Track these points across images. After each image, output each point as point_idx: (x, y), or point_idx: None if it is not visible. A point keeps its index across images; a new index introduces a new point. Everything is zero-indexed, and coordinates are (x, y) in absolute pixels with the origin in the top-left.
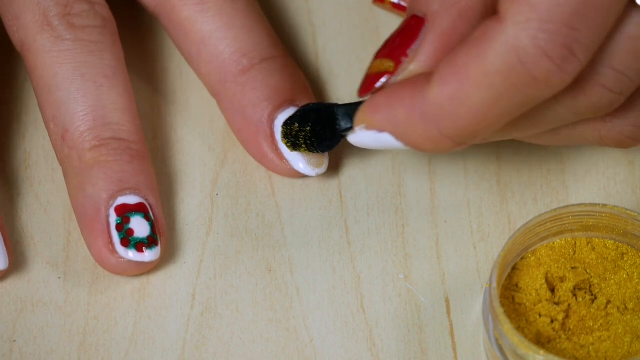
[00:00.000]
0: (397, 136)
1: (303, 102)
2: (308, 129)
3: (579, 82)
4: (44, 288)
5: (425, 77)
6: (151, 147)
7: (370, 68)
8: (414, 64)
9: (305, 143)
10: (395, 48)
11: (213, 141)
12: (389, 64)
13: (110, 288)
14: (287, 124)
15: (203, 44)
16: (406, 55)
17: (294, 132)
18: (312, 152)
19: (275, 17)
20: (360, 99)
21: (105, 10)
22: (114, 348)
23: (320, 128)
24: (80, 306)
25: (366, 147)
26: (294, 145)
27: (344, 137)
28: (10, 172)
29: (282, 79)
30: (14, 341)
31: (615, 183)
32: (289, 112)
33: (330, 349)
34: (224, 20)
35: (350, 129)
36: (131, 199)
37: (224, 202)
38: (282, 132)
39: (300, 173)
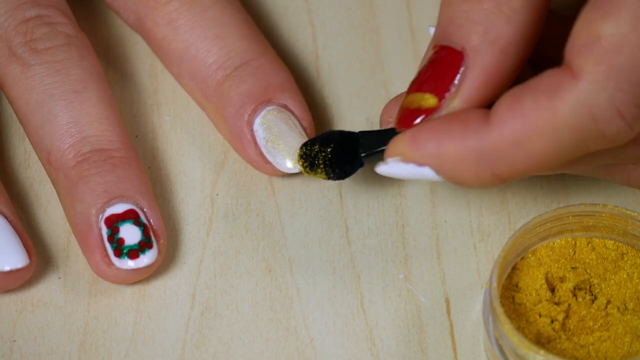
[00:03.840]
0: (442, 173)
1: (280, 99)
2: (329, 149)
3: None
4: (44, 288)
5: (479, 116)
6: (151, 148)
7: (406, 102)
8: (457, 100)
9: (324, 163)
10: (435, 82)
11: (213, 141)
12: (432, 100)
13: (110, 288)
14: (307, 144)
15: (181, 61)
16: (449, 91)
17: (313, 153)
18: (329, 176)
19: (275, 17)
20: (384, 128)
21: (68, 27)
22: (114, 348)
23: (341, 150)
24: (80, 306)
25: (394, 177)
26: (311, 166)
27: (363, 164)
28: (10, 172)
29: (255, 82)
30: (14, 341)
31: None
32: (265, 112)
33: (330, 349)
34: (196, 34)
35: (373, 154)
36: (119, 208)
37: (224, 202)
38: (300, 154)
39: (287, 172)
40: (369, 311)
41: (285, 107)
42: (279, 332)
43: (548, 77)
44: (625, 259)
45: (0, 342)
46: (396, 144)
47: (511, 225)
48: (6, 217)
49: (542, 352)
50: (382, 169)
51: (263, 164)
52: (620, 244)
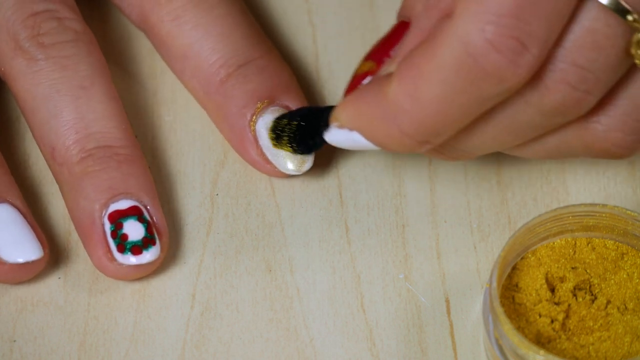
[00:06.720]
0: (364, 134)
1: (284, 100)
2: (295, 123)
3: (541, 79)
4: (44, 288)
5: (388, 76)
6: (151, 148)
7: (357, 69)
8: (394, 64)
9: (289, 137)
10: (379, 50)
11: (213, 141)
12: (370, 64)
13: (110, 288)
14: (278, 118)
15: (185, 58)
16: (389, 56)
17: (280, 127)
18: (294, 150)
19: (275, 17)
20: None
21: (75, 23)
22: (114, 348)
23: (305, 124)
24: (80, 306)
25: (343, 147)
26: (277, 138)
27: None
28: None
29: (260, 81)
30: (14, 341)
31: (615, 183)
32: (269, 112)
33: (330, 349)
34: (201, 31)
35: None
36: (123, 204)
37: (224, 202)
38: (270, 127)
39: (287, 173)
40: (369, 311)
41: (288, 108)
42: (279, 332)
43: (433, 24)
44: (625, 259)
45: (0, 342)
46: (334, 110)
47: (511, 225)
48: (18, 210)
49: (542, 352)
50: (327, 137)
51: (264, 164)
52: (620, 244)
